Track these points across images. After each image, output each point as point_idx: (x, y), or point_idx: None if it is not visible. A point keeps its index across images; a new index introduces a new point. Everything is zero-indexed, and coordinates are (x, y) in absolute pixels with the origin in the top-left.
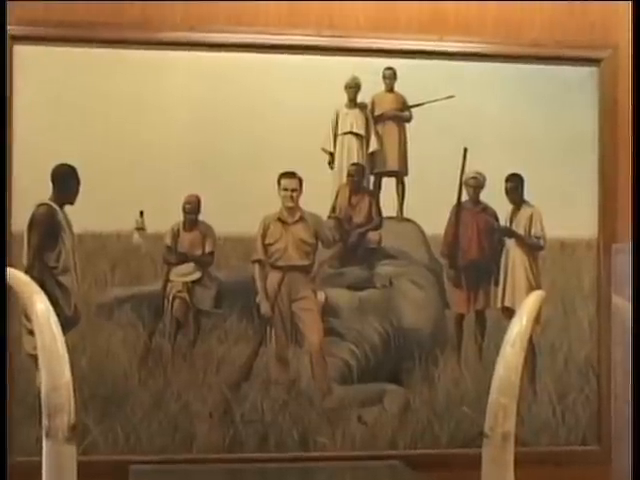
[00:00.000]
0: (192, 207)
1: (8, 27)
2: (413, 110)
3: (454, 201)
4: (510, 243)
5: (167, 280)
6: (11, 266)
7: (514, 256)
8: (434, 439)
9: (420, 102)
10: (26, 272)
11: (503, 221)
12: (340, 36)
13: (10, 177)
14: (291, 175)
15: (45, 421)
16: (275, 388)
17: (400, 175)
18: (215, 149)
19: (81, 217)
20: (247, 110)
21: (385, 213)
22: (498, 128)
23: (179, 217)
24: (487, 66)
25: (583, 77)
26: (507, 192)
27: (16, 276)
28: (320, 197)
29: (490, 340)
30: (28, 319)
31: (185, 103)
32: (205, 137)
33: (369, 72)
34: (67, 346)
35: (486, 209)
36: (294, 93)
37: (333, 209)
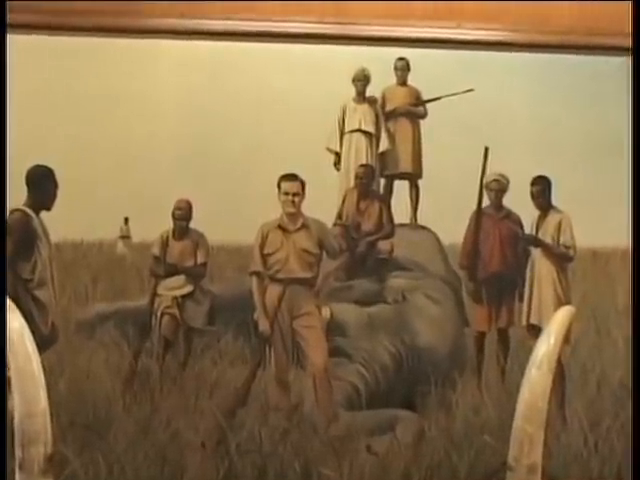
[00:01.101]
0: (183, 213)
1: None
2: (428, 105)
3: (474, 206)
4: (536, 253)
5: (155, 294)
6: None
7: (541, 268)
8: (452, 471)
9: (436, 96)
10: None
11: (528, 228)
12: (347, 23)
13: None
14: (293, 178)
15: (18, 451)
16: (275, 415)
17: (414, 178)
18: (209, 148)
19: (59, 224)
20: (244, 105)
21: (397, 220)
22: (522, 125)
23: (168, 224)
24: (510, 56)
25: (615, 67)
26: (533, 196)
27: None
28: (325, 202)
29: (514, 361)
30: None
31: (176, 97)
32: (198, 135)
33: (379, 63)
34: (43, 368)
35: (509, 215)
36: (296, 86)
37: (339, 215)
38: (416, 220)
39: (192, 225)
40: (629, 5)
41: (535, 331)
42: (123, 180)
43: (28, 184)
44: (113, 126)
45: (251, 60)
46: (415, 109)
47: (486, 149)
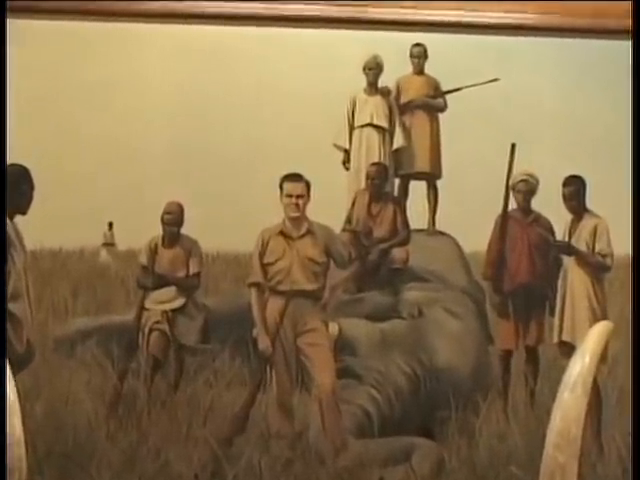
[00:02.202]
0: (173, 217)
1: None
2: (448, 97)
3: (499, 210)
4: (569, 262)
5: (142, 308)
6: None
7: (574, 278)
8: None
9: (457, 87)
10: None
11: (560, 234)
12: (357, 5)
13: None
14: (296, 178)
15: None
16: (276, 443)
17: (432, 178)
18: (203, 145)
19: (35, 230)
20: (243, 97)
21: (413, 225)
22: (554, 118)
23: (157, 230)
24: (540, 42)
25: None
26: (565, 198)
27: None
28: (332, 205)
29: (544, 383)
30: None
31: (166, 89)
32: (191, 130)
33: (393, 50)
34: (18, 391)
35: (539, 220)
36: (300, 76)
37: (349, 220)
38: (434, 225)
39: (184, 231)
40: None
41: (568, 349)
42: (107, 180)
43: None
44: (96, 120)
45: (250, 47)
46: (433, 101)
47: (513, 145)
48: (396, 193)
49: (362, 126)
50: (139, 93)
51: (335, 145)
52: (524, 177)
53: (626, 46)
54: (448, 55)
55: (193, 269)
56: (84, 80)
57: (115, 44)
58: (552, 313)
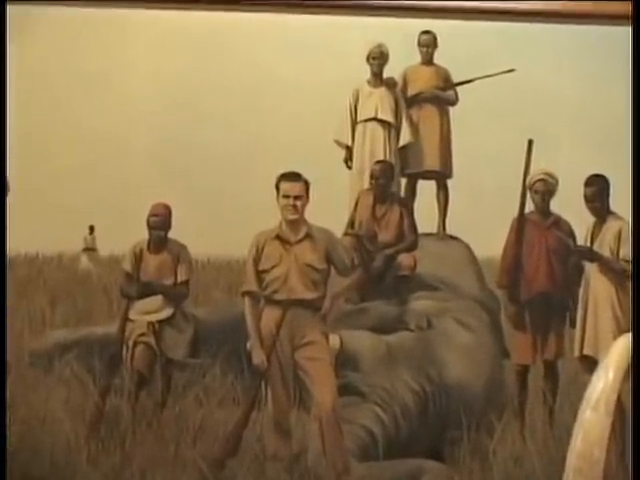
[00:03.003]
0: (160, 220)
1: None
2: (459, 89)
3: (515, 212)
4: (591, 269)
5: (126, 319)
6: None
7: (597, 286)
8: None
9: (469, 78)
10: None
11: (582, 239)
12: None
13: None
14: (294, 177)
15: None
16: (273, 466)
17: (442, 177)
18: (192, 142)
19: (10, 235)
20: (235, 90)
21: (421, 228)
22: (575, 113)
23: (142, 234)
24: (560, 29)
25: None
26: (587, 199)
27: None
28: (333, 207)
29: (564, 401)
30: None
31: (152, 80)
32: (179, 126)
33: (400, 37)
34: None
35: (558, 223)
36: (298, 66)
37: (351, 223)
38: (444, 229)
39: (171, 235)
40: None
41: (590, 364)
42: (87, 180)
43: None
44: (78, 116)
45: (244, 35)
46: (443, 94)
47: (530, 142)
48: (403, 194)
49: (366, 121)
50: (122, 84)
51: (336, 141)
52: (542, 176)
53: None
54: (459, 43)
55: (181, 276)
56: (59, 74)
57: (94, 34)
58: (573, 324)
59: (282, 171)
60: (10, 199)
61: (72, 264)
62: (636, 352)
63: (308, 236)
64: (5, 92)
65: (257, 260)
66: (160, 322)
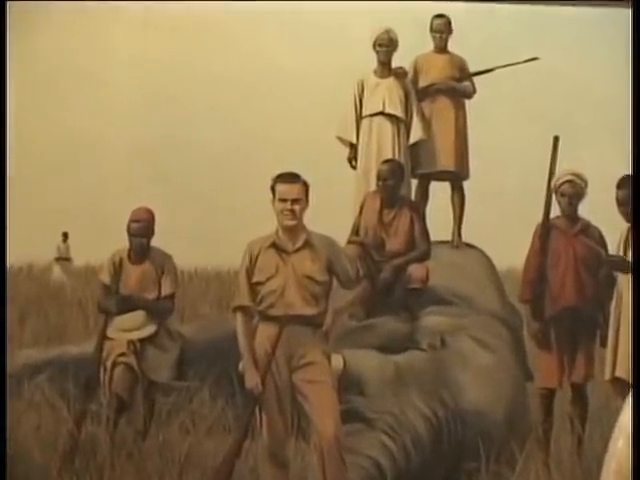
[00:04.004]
0: (141, 227)
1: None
2: (476, 80)
3: (539, 217)
4: (624, 281)
5: (104, 337)
6: None
7: (630, 301)
8: None
9: (487, 68)
10: None
11: (614, 247)
12: None
13: None
14: (292, 178)
15: None
16: None
17: (457, 178)
18: (178, 140)
19: None
20: (228, 81)
21: (434, 236)
22: (605, 106)
23: (122, 242)
24: (588, 13)
25: None
26: (620, 203)
27: None
28: (336, 211)
29: (594, 428)
30: None
31: (135, 71)
32: (164, 123)
33: (410, 22)
34: None
35: (587, 229)
36: (297, 55)
37: (356, 230)
38: (460, 236)
39: (154, 243)
40: None
41: (622, 387)
42: (61, 183)
43: None
44: (51, 112)
45: (237, 21)
46: (459, 85)
47: (556, 139)
48: (413, 197)
49: (372, 115)
50: (101, 76)
51: (339, 138)
52: (569, 177)
53: None
54: (477, 29)
55: (166, 290)
56: (33, 67)
57: (72, 23)
58: (603, 343)
59: (278, 171)
60: None
61: (44, 275)
62: (636, 351)
63: (307, 244)
64: (5, 92)
65: (250, 271)
66: (142, 340)
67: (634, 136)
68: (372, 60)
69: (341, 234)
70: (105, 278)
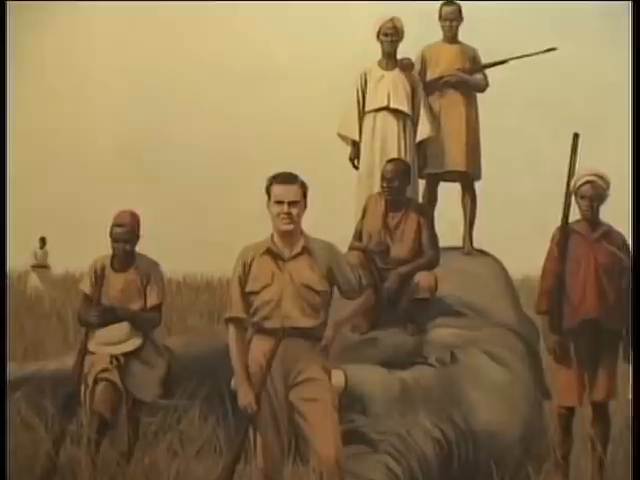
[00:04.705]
0: (126, 231)
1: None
2: (489, 72)
3: (557, 221)
4: None
5: (85, 352)
6: None
7: None
8: None
9: (501, 59)
10: None
11: None
12: None
13: None
14: (289, 179)
15: None
16: None
17: (468, 178)
18: (165, 139)
19: None
20: (221, 74)
21: (444, 241)
22: (629, 101)
23: (104, 248)
24: (609, 3)
25: None
26: None
27: None
28: (337, 215)
29: (617, 450)
30: None
31: (120, 65)
32: (149, 120)
33: (417, 10)
34: None
35: (610, 234)
36: (296, 46)
37: (359, 235)
38: (471, 242)
39: (139, 249)
40: None
41: None
42: (39, 185)
43: None
44: (30, 109)
45: (231, 10)
46: (470, 78)
47: (575, 136)
48: (421, 199)
49: (376, 110)
50: (83, 72)
51: (340, 135)
52: (590, 178)
53: None
54: (489, 17)
55: (152, 300)
56: (18, 58)
57: (52, 12)
58: (627, 358)
59: (274, 171)
60: None
61: (19, 284)
62: (636, 352)
63: (306, 250)
64: (5, 93)
65: (244, 280)
66: (126, 355)
67: (634, 136)
68: (376, 50)
69: (342, 239)
70: (86, 287)
